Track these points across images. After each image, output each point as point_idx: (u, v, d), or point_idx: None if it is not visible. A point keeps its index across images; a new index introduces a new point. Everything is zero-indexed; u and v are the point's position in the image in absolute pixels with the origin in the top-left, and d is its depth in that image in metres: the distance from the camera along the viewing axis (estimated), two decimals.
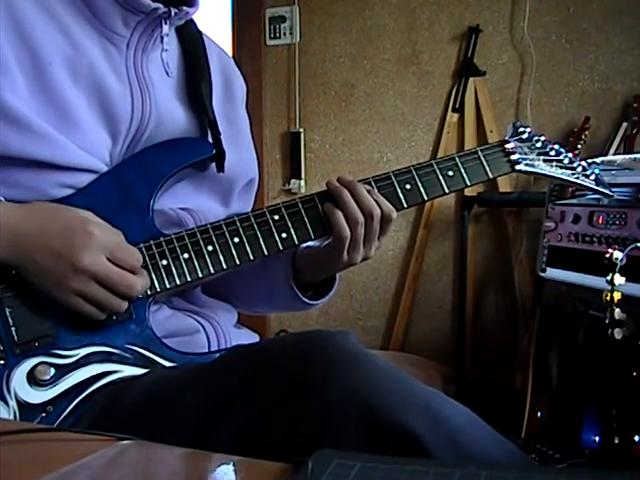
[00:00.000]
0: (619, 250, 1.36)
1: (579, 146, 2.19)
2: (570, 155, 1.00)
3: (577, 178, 0.99)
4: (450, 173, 0.91)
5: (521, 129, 0.99)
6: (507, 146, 0.96)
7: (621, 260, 1.35)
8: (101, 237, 0.72)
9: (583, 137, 2.20)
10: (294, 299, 0.94)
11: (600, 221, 1.68)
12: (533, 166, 0.96)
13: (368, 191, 0.86)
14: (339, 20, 2.64)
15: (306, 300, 0.94)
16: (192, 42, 0.95)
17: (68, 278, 0.70)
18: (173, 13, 0.85)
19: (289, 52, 2.72)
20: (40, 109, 0.76)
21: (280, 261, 0.94)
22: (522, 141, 0.97)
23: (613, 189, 1.05)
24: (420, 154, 2.56)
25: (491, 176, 0.94)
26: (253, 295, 1.02)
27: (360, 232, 0.85)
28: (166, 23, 0.86)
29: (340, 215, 0.84)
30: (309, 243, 0.92)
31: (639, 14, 2.26)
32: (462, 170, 0.91)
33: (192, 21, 0.96)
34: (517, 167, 0.95)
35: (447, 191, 0.91)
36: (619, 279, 1.34)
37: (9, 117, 0.73)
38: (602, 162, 1.74)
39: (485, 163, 0.93)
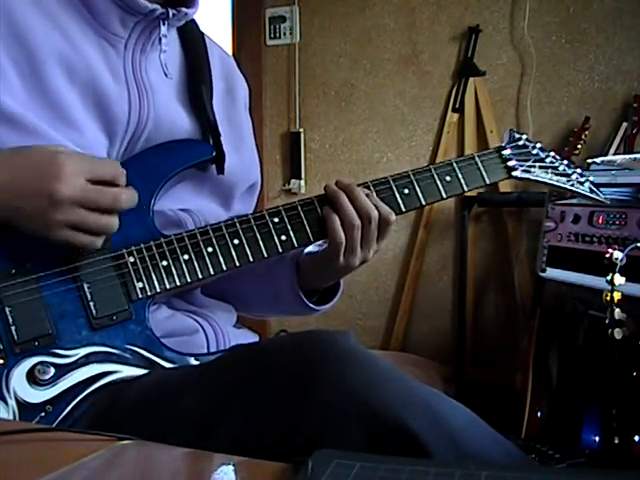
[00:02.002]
0: (619, 250, 1.37)
1: (579, 146, 2.19)
2: (565, 163, 1.03)
3: (572, 185, 1.02)
4: (447, 178, 0.92)
5: (517, 136, 1.01)
6: (504, 152, 0.98)
7: (621, 260, 1.35)
8: (72, 163, 0.70)
9: (583, 137, 2.20)
10: (299, 304, 0.95)
11: (600, 221, 1.69)
12: (529, 172, 0.99)
13: (366, 194, 0.86)
14: (339, 20, 2.64)
15: (311, 305, 0.95)
16: (193, 43, 0.95)
17: (52, 213, 0.69)
18: (171, 14, 0.85)
19: (289, 52, 2.72)
20: (36, 108, 0.75)
21: (284, 266, 0.94)
22: (518, 147, 1.00)
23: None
24: (420, 154, 2.56)
25: (488, 182, 0.96)
26: (258, 299, 1.02)
27: (357, 236, 0.84)
28: (164, 24, 0.86)
29: (336, 219, 0.84)
30: (311, 249, 0.93)
31: (639, 14, 2.26)
32: (459, 175, 0.93)
33: (194, 22, 0.96)
34: (513, 173, 0.98)
35: (444, 196, 0.92)
36: (619, 279, 1.34)
37: (4, 116, 0.73)
38: (602, 162, 1.74)
39: (482, 169, 0.95)
